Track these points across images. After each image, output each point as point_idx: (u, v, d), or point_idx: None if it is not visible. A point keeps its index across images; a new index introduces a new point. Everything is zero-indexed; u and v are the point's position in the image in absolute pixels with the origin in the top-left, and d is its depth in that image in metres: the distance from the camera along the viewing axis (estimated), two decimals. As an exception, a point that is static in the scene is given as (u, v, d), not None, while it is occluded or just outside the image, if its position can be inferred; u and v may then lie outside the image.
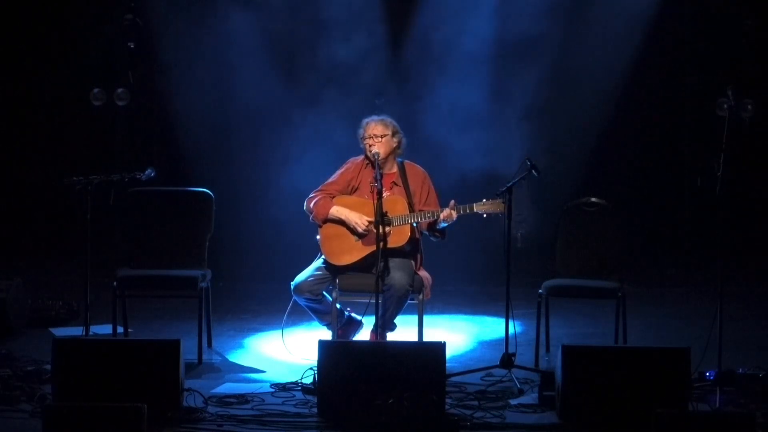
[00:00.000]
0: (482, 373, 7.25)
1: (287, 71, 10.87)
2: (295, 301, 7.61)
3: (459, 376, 7.11)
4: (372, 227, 7.36)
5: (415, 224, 7.52)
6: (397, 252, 7.46)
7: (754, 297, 9.93)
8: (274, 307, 8.47)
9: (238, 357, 7.96)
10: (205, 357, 7.76)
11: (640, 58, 10.95)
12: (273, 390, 6.97)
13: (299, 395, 6.84)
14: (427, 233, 7.66)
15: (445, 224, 7.48)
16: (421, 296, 7.55)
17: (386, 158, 7.62)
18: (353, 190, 7.67)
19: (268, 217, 10.72)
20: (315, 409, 6.49)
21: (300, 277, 7.58)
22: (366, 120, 7.70)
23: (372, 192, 7.44)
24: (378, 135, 7.57)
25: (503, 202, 7.28)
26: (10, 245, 11.14)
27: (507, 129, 11.15)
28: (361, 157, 7.72)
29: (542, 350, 7.84)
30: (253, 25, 10.78)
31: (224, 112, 11.02)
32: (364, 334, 7.81)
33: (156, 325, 8.69)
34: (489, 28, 10.80)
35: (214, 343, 8.11)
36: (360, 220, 7.51)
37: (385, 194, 7.31)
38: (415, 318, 7.60)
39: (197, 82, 10.93)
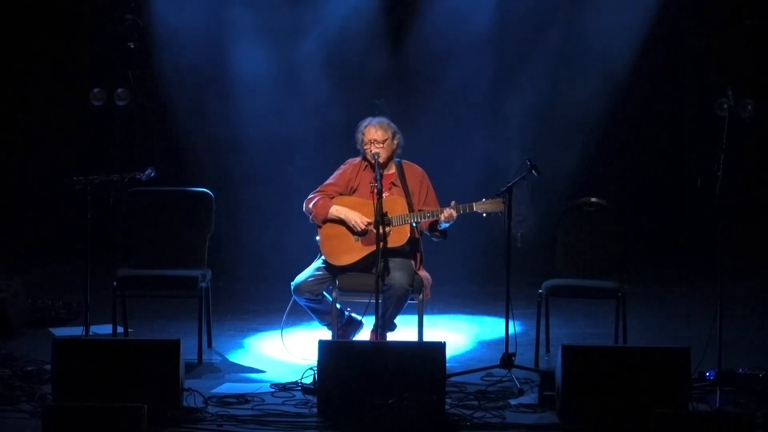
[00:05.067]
0: (482, 373, 7.25)
1: (287, 71, 10.87)
2: (294, 301, 7.61)
3: (459, 376, 7.11)
4: (372, 228, 7.36)
5: (414, 224, 7.51)
6: (397, 252, 7.45)
7: (754, 297, 9.93)
8: (274, 307, 8.47)
9: (238, 357, 7.96)
10: (205, 357, 7.76)
11: (640, 58, 10.95)
12: (273, 390, 6.96)
13: (299, 395, 6.84)
14: (427, 233, 7.65)
15: (447, 225, 7.47)
16: (421, 296, 7.55)
17: (386, 159, 7.61)
18: (352, 191, 7.67)
19: (268, 217, 10.72)
20: (315, 409, 6.50)
21: (300, 278, 7.58)
22: (364, 123, 7.67)
23: (372, 192, 7.43)
24: (379, 140, 7.54)
25: (503, 202, 7.28)
26: (10, 245, 11.14)
27: (507, 129, 11.17)
28: (360, 157, 7.71)
29: (542, 350, 7.84)
30: (253, 24, 10.78)
31: (224, 113, 11.02)
32: (364, 334, 7.81)
33: (156, 325, 8.69)
34: (489, 28, 10.81)
35: (214, 343, 8.11)
36: (360, 219, 7.51)
37: (384, 194, 7.31)
38: (415, 318, 7.60)
39: (197, 82, 10.93)
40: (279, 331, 7.88)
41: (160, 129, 11.30)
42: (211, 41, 10.84)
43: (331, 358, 6.47)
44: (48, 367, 6.78)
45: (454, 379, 7.02)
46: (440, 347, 6.47)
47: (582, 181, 10.83)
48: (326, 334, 7.64)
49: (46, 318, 8.76)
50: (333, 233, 7.57)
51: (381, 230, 7.13)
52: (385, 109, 10.33)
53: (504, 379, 7.12)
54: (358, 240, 7.55)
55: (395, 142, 7.63)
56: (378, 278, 7.06)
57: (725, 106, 7.50)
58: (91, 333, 7.72)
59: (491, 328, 8.93)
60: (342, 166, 7.76)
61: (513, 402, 6.72)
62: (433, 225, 7.55)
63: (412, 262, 7.55)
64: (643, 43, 10.92)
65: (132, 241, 8.13)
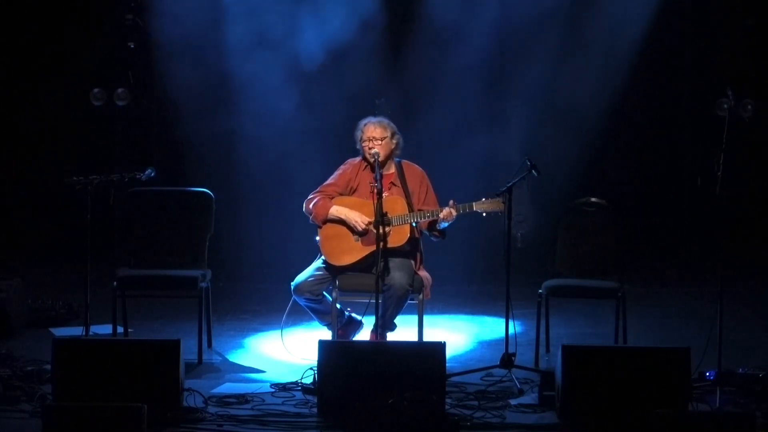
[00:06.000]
0: (482, 373, 7.25)
1: (287, 71, 10.87)
2: (294, 301, 7.61)
3: (459, 376, 7.11)
4: (372, 227, 7.37)
5: (414, 224, 7.52)
6: (397, 252, 7.46)
7: (754, 297, 9.93)
8: (274, 307, 8.47)
9: (238, 357, 7.96)
10: (205, 357, 7.76)
11: (640, 58, 10.95)
12: (273, 390, 6.97)
13: (299, 395, 6.84)
14: (426, 233, 7.66)
15: (446, 224, 7.47)
16: (421, 296, 7.55)
17: (385, 159, 7.61)
18: (352, 191, 7.67)
19: (268, 217, 10.72)
20: (315, 409, 6.50)
21: (300, 278, 7.58)
22: (364, 122, 7.68)
23: (372, 192, 7.43)
24: (378, 138, 7.56)
25: (502, 201, 7.28)
26: (10, 245, 11.14)
27: (507, 129, 11.16)
28: (359, 158, 7.71)
29: (542, 350, 7.85)
30: (253, 24, 10.78)
31: (224, 112, 11.02)
32: (364, 334, 7.81)
33: (156, 325, 8.69)
34: (489, 29, 10.81)
35: (214, 343, 8.11)
36: (360, 219, 7.51)
37: (384, 194, 7.31)
38: (415, 318, 7.60)
39: (197, 82, 10.92)
40: (279, 331, 7.88)
41: (160, 129, 11.30)
42: (211, 41, 10.83)
43: (331, 358, 6.47)
44: (48, 367, 6.78)
45: (454, 379, 7.02)
46: (440, 347, 6.47)
47: (582, 181, 10.83)
48: (326, 334, 7.64)
49: (46, 318, 8.76)
50: (333, 233, 7.57)
51: (381, 230, 7.13)
52: (385, 109, 10.33)
53: (504, 379, 7.13)
54: (358, 240, 7.55)
55: (394, 141, 7.63)
56: (378, 278, 7.06)
57: (725, 106, 7.51)
58: (91, 333, 7.72)
59: (491, 328, 8.93)
60: (342, 167, 7.77)
61: (513, 402, 6.72)
62: (432, 224, 7.56)
63: (412, 262, 7.55)
64: (643, 43, 10.92)
65: (132, 241, 8.13)
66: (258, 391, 6.90)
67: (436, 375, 6.37)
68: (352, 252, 7.54)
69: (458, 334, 8.67)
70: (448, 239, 7.66)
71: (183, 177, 10.61)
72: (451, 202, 7.39)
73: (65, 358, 6.38)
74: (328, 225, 7.59)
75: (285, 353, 7.75)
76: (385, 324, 7.38)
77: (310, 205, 7.62)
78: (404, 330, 7.73)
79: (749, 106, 10.62)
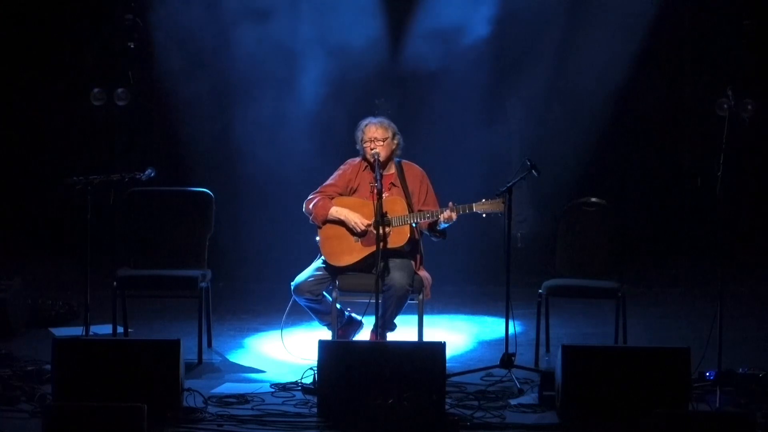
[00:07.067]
0: (482, 373, 7.25)
1: (287, 71, 10.87)
2: (294, 301, 7.61)
3: (459, 376, 7.11)
4: (371, 228, 7.36)
5: (414, 224, 7.51)
6: (397, 252, 7.45)
7: (754, 297, 9.93)
8: (274, 307, 8.47)
9: (238, 357, 7.96)
10: (205, 357, 7.76)
11: (639, 58, 10.95)
12: (273, 390, 6.97)
13: (299, 395, 6.84)
14: (427, 233, 7.65)
15: (446, 225, 7.47)
16: (421, 296, 7.55)
17: (386, 160, 7.61)
18: (352, 192, 7.67)
19: (268, 217, 10.72)
20: (315, 409, 6.50)
21: (300, 278, 7.58)
22: (364, 122, 7.68)
23: (372, 193, 7.43)
24: (379, 138, 7.55)
25: (502, 202, 7.28)
26: (10, 245, 11.14)
27: (507, 129, 11.17)
28: (359, 158, 7.71)
29: (542, 350, 7.85)
30: (253, 24, 10.78)
31: (224, 112, 11.02)
32: (364, 334, 7.81)
33: (156, 325, 8.69)
34: (489, 28, 10.81)
35: (214, 343, 8.11)
36: (359, 220, 7.51)
37: (384, 195, 7.31)
38: (415, 318, 7.60)
39: (197, 83, 10.93)
40: (279, 331, 7.88)
41: (160, 129, 11.30)
42: (211, 41, 10.84)
43: (331, 358, 6.46)
44: (48, 367, 6.79)
45: (454, 379, 7.02)
46: (440, 347, 6.46)
47: (582, 181, 10.83)
48: (326, 334, 7.64)
49: (46, 318, 8.75)
50: (333, 234, 7.57)
51: (381, 231, 7.13)
52: (385, 109, 10.33)
53: (504, 379, 7.13)
54: (357, 240, 7.55)
55: (395, 141, 7.63)
56: (378, 278, 7.06)
57: (725, 106, 7.51)
58: (91, 333, 7.73)
59: (491, 328, 8.93)
60: (342, 167, 7.76)
61: (513, 402, 6.72)
62: (433, 225, 7.55)
63: (412, 263, 7.55)
64: (644, 43, 10.92)
65: (132, 241, 8.13)
66: (258, 391, 6.90)
67: (436, 375, 6.37)
68: (352, 252, 7.53)
69: (458, 334, 8.66)
70: (448, 239, 7.65)
71: (183, 177, 10.61)
72: (450, 204, 7.38)
73: (65, 358, 6.38)
74: (328, 225, 7.58)
75: (285, 353, 7.75)
76: (385, 324, 7.38)
77: (310, 206, 7.62)
78: (404, 330, 7.73)
79: (749, 106, 10.63)
